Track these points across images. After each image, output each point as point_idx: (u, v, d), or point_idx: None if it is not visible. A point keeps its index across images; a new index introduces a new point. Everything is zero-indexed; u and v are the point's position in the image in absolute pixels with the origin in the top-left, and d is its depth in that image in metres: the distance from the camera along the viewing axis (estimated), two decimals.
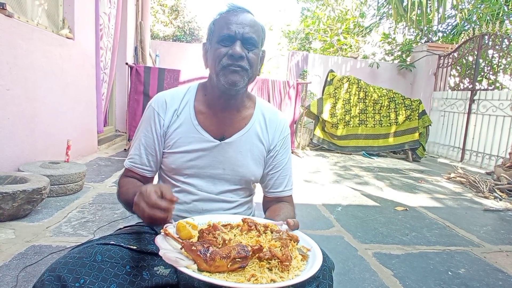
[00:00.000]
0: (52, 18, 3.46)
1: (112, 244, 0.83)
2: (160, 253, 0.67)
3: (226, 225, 0.86)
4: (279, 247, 0.76)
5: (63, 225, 2.07)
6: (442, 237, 2.43)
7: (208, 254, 0.68)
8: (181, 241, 0.74)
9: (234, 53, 0.95)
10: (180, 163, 1.05)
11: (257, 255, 0.71)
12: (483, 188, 3.91)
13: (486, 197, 3.71)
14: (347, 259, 1.96)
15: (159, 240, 0.73)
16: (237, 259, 0.68)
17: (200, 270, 0.68)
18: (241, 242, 0.75)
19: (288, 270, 0.70)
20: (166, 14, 12.39)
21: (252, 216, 1.19)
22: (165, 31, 12.09)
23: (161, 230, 0.76)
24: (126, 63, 4.66)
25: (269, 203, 1.17)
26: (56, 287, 0.71)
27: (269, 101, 5.34)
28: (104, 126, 4.76)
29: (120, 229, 1.02)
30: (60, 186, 2.55)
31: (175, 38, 11.85)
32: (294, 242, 0.81)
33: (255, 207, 1.25)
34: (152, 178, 1.14)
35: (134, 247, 0.86)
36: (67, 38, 3.51)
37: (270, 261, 0.71)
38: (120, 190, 1.05)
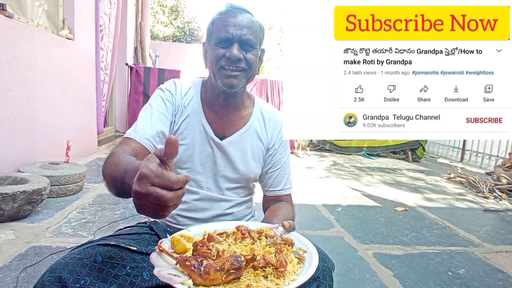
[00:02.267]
0: (52, 19, 3.47)
1: (112, 245, 0.83)
2: (154, 272, 0.67)
3: (222, 234, 0.85)
4: (273, 253, 0.76)
5: (63, 225, 2.07)
6: (442, 238, 2.43)
7: (202, 268, 0.67)
8: (175, 256, 0.73)
9: (231, 56, 0.96)
10: (182, 156, 1.04)
11: (251, 264, 0.71)
12: (483, 188, 3.91)
13: (486, 197, 3.71)
14: (347, 260, 1.96)
15: (154, 257, 0.73)
16: (231, 270, 0.68)
17: (195, 285, 0.67)
18: (235, 252, 0.75)
19: (284, 276, 0.70)
20: (166, 15, 12.40)
21: (252, 216, 1.19)
22: (165, 31, 12.10)
23: (156, 247, 0.76)
24: (126, 64, 4.67)
25: (268, 203, 1.17)
26: (57, 287, 0.71)
27: (268, 101, 5.34)
28: (104, 126, 4.76)
29: (120, 229, 1.03)
30: (60, 186, 2.55)
31: (175, 38, 11.86)
32: (289, 246, 0.80)
33: (255, 207, 1.25)
34: None
35: (134, 248, 0.86)
36: (67, 38, 3.51)
37: (265, 269, 0.71)
38: (108, 161, 0.84)
